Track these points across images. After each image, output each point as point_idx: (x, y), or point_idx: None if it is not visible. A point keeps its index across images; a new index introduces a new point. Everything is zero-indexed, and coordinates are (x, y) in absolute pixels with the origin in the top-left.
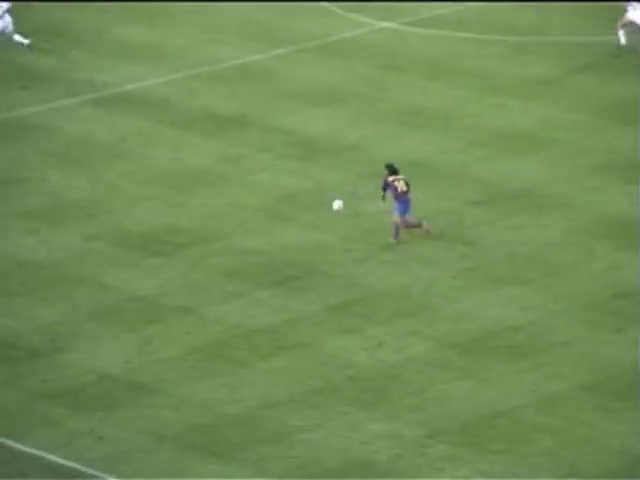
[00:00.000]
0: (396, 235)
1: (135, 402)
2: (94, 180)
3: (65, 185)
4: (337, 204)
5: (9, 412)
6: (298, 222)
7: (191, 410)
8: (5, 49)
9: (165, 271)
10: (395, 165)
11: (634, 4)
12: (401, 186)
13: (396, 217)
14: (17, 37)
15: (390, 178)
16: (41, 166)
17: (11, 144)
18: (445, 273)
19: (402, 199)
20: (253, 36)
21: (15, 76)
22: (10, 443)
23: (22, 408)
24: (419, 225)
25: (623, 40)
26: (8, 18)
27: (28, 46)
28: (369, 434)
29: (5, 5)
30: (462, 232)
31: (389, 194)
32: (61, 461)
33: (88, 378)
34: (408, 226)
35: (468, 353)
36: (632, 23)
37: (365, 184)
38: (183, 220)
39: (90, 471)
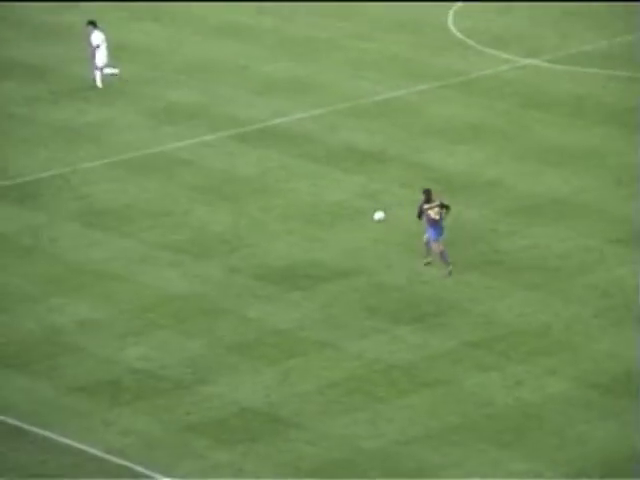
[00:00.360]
0: (444, 259)
1: (275, 435)
2: (237, 214)
3: (209, 219)
4: (378, 215)
5: (155, 443)
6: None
7: (329, 444)
8: (154, 85)
9: (305, 305)
10: (431, 191)
11: None
12: (434, 214)
13: (434, 244)
14: (108, 70)
15: (425, 205)
16: (186, 200)
17: (158, 178)
18: (586, 311)
19: (435, 226)
20: (395, 72)
21: (162, 112)
22: (156, 475)
23: (167, 439)
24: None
25: None
26: (104, 50)
27: (117, 75)
28: (509, 473)
29: (102, 36)
30: (603, 270)
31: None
32: None
33: (230, 410)
34: (442, 253)
35: (610, 393)
36: None
37: (504, 220)
38: (323, 255)
39: None
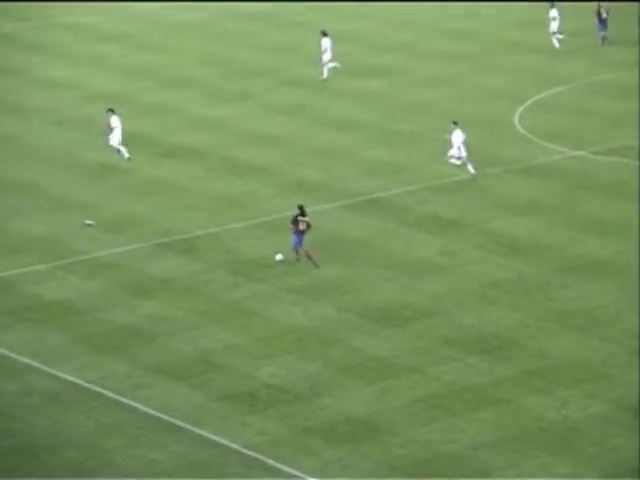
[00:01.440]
0: (313, 258)
1: (373, 439)
2: (346, 265)
3: (324, 269)
4: (278, 257)
5: (281, 441)
6: (503, 304)
7: (415, 448)
8: (288, 165)
9: (397, 338)
10: (304, 207)
11: None
12: (302, 226)
13: (300, 249)
14: (122, 150)
15: (299, 218)
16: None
17: (287, 236)
18: (620, 349)
19: (299, 235)
20: (470, 158)
21: (293, 185)
22: (282, 466)
23: (290, 439)
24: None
25: None
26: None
27: (129, 159)
28: (556, 475)
29: (118, 119)
30: (634, 318)
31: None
32: None
33: (339, 418)
34: (307, 252)
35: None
36: None
37: (556, 276)
38: (412, 299)
39: None
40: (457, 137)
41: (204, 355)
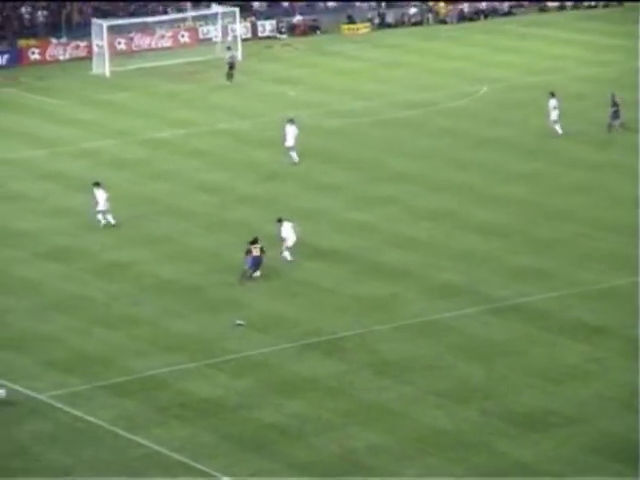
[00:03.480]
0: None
1: None
2: (489, 369)
3: (468, 372)
4: (238, 322)
5: None
6: None
7: None
8: (430, 268)
9: (541, 444)
10: (258, 239)
11: None
12: (255, 252)
13: (250, 271)
14: (109, 219)
15: (252, 246)
16: (451, 357)
17: (432, 339)
18: None
19: (254, 260)
20: (614, 266)
21: (437, 289)
22: None
23: None
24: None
25: None
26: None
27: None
28: None
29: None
30: None
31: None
32: None
33: None
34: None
35: None
36: None
37: None
38: (556, 405)
39: None
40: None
41: (349, 454)
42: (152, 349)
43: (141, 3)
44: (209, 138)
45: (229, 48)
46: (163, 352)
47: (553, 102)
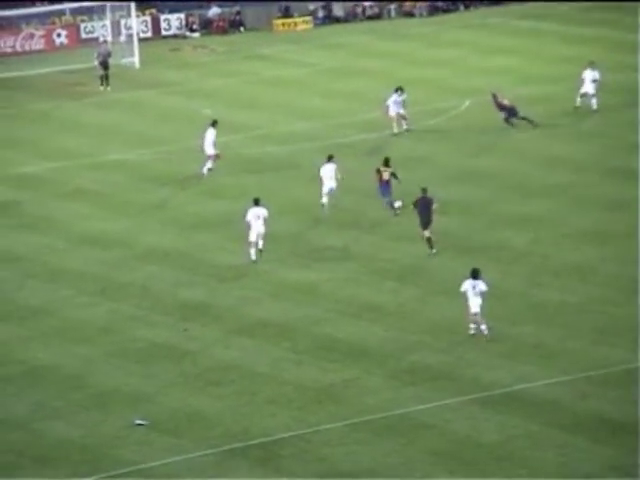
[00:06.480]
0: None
1: None
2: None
3: None
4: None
5: None
6: None
7: None
8: (397, 344)
9: None
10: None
11: None
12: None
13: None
14: None
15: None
16: (425, 467)
17: (399, 441)
18: None
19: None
20: None
21: (405, 373)
22: None
23: None
24: None
25: None
26: None
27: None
28: None
29: None
30: None
31: None
32: None
33: None
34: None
35: None
36: None
37: None
38: None
39: None
40: None
41: None
42: (21, 461)
43: None
44: (96, 173)
45: (104, 41)
46: (33, 464)
47: (593, 74)
